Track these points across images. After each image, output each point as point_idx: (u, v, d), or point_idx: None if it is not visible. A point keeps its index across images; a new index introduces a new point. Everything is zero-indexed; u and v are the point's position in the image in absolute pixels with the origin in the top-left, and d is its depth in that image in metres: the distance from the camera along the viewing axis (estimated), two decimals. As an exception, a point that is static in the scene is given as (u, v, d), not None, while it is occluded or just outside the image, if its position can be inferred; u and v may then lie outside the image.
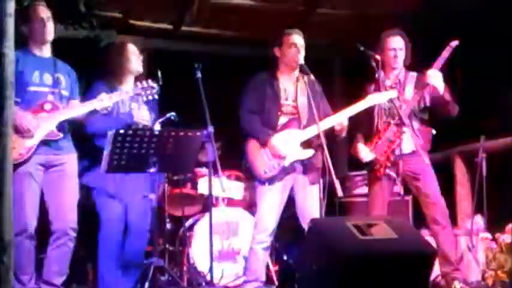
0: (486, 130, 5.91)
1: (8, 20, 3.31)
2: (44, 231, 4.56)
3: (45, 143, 4.48)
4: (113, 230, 4.89)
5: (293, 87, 5.12)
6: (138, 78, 5.00)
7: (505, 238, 5.35)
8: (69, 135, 4.69)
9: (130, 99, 4.96)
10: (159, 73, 4.90)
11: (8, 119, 3.35)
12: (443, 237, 5.09)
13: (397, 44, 5.25)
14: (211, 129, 4.77)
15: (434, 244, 4.98)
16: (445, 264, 5.08)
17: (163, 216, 6.07)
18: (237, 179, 6.61)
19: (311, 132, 4.92)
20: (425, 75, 5.07)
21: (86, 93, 4.88)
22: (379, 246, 3.79)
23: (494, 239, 5.46)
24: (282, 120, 5.05)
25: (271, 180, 4.97)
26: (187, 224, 6.22)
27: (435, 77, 5.03)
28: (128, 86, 5.02)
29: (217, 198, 6.34)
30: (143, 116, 5.01)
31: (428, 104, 5.21)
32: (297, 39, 5.09)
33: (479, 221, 5.95)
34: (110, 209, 4.90)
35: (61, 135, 4.54)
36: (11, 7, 3.34)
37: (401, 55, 5.25)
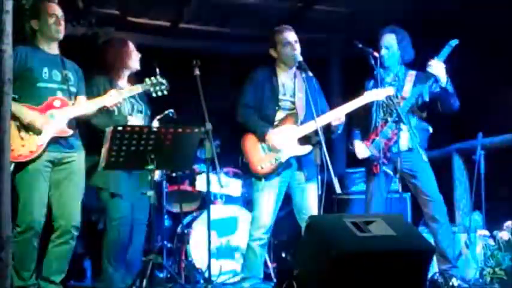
0: (484, 127, 5.91)
1: (6, 17, 3.32)
2: (45, 228, 4.54)
3: (55, 140, 4.47)
4: (123, 229, 4.90)
5: (291, 83, 5.12)
6: (132, 76, 5.02)
7: (502, 235, 5.35)
8: (78, 133, 4.67)
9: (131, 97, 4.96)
10: (157, 70, 4.90)
11: (6, 115, 3.35)
12: (442, 235, 5.10)
13: (388, 42, 5.25)
14: (209, 126, 4.77)
15: (432, 241, 4.99)
16: (443, 261, 5.08)
17: (161, 213, 6.08)
18: (235, 175, 6.61)
19: (308, 128, 4.91)
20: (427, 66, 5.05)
21: (86, 88, 4.86)
22: (377, 244, 3.79)
23: (492, 236, 5.47)
24: (280, 115, 5.05)
25: (268, 177, 4.97)
26: (186, 221, 6.23)
27: (437, 67, 5.01)
28: (124, 82, 5.03)
29: (215, 195, 6.35)
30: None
31: (427, 99, 5.20)
32: (290, 35, 5.09)
33: (477, 218, 5.96)
34: (121, 209, 4.90)
35: (71, 132, 4.53)
36: (9, 4, 3.35)
37: (394, 52, 5.24)
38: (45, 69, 4.52)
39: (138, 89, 4.75)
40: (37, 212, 4.40)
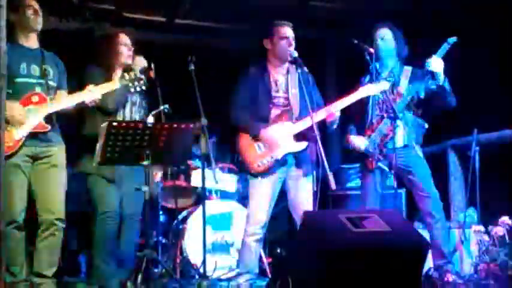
0: (479, 123, 5.92)
1: (1, 12, 3.30)
2: (33, 224, 4.56)
3: (33, 135, 4.48)
4: (111, 223, 4.89)
5: (284, 79, 5.11)
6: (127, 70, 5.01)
7: (497, 231, 5.37)
8: (57, 126, 4.68)
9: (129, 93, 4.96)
10: (153, 66, 4.89)
11: (1, 109, 3.33)
12: (437, 230, 5.09)
13: (383, 34, 5.25)
14: (204, 121, 4.76)
15: (427, 237, 5.00)
16: (438, 257, 5.09)
17: (156, 208, 6.08)
18: (230, 171, 6.61)
19: (303, 124, 4.91)
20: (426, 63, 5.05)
21: (82, 78, 4.85)
22: (372, 239, 3.79)
23: (487, 232, 5.48)
24: (274, 112, 5.04)
25: (263, 174, 4.96)
26: (181, 216, 6.22)
27: (436, 64, 5.00)
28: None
29: (210, 191, 6.34)
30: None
31: (423, 96, 5.19)
32: (288, 31, 5.08)
33: (472, 213, 5.97)
34: (108, 197, 4.88)
35: (49, 127, 4.53)
36: (2, -1, 3.33)
37: (389, 44, 5.24)
38: (23, 65, 4.53)
39: (116, 84, 4.72)
40: (18, 205, 4.43)
